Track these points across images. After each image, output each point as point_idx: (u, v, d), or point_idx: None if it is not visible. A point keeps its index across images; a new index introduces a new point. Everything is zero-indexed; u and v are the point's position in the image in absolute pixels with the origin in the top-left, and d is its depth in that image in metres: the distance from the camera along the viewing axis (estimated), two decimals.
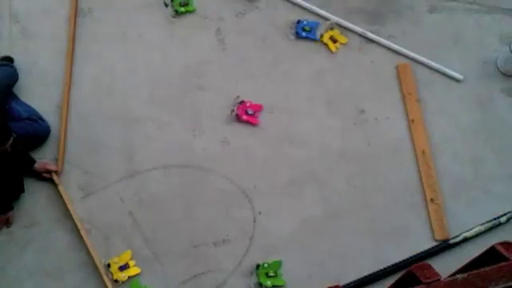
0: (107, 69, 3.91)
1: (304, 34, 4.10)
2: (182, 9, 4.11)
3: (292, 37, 4.09)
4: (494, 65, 4.12)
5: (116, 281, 3.30)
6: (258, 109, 3.84)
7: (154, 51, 3.99)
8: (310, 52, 4.08)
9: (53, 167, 3.51)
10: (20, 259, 3.35)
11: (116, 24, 4.06)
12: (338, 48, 4.10)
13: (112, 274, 3.31)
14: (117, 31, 4.04)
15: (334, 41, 4.11)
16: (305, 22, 4.12)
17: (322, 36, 4.10)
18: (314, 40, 4.11)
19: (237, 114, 3.79)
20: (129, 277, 3.32)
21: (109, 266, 3.32)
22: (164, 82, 3.90)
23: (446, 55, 4.13)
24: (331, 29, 4.11)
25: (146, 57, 3.97)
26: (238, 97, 3.81)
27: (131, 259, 3.37)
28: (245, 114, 3.80)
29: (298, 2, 4.22)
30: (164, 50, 4.00)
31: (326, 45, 4.10)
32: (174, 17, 4.03)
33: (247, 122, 3.80)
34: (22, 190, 3.43)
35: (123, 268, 3.33)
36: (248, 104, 3.83)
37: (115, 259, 3.36)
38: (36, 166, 3.47)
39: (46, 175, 3.50)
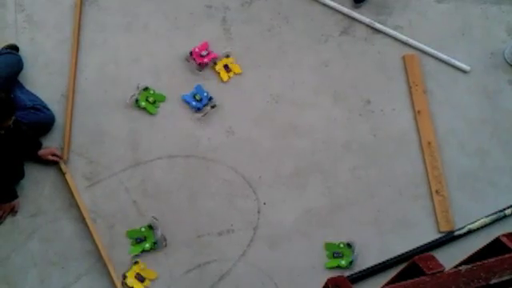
0: (112, 58, 3.90)
1: (199, 103, 3.77)
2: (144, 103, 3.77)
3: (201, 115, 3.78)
4: (502, 56, 4.08)
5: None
6: (205, 47, 3.92)
7: (159, 40, 3.98)
8: (316, 42, 4.06)
9: (59, 152, 3.53)
10: (25, 248, 3.36)
11: (121, 13, 4.05)
12: (230, 77, 3.88)
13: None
14: (122, 20, 4.03)
15: (229, 70, 3.90)
16: (188, 97, 3.81)
17: (215, 64, 3.88)
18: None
19: (199, 64, 3.84)
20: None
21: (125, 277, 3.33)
22: (169, 71, 3.89)
23: (453, 46, 4.11)
24: (227, 57, 3.93)
25: (150, 46, 3.96)
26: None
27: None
28: (203, 58, 3.88)
29: None
30: (169, 40, 3.99)
31: (217, 73, 3.89)
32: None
33: (208, 63, 3.87)
34: (22, 176, 3.44)
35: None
36: (197, 49, 3.90)
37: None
38: (42, 151, 3.48)
39: (52, 158, 3.49)
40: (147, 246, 3.38)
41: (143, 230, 3.42)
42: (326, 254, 3.45)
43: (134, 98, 3.75)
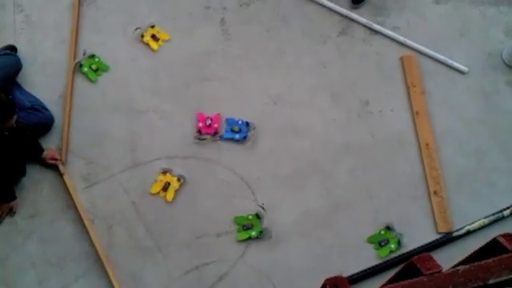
0: (110, 58, 3.90)
1: (241, 132, 3.71)
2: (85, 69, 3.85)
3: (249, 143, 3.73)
4: (500, 57, 4.09)
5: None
6: (216, 120, 3.75)
7: (157, 41, 3.98)
8: (315, 43, 4.07)
9: (59, 155, 3.52)
10: (23, 249, 3.36)
11: (119, 14, 4.05)
12: (160, 45, 3.96)
13: None
14: (120, 20, 4.03)
15: (157, 39, 3.96)
16: (228, 131, 3.73)
17: (142, 36, 3.95)
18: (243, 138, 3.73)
19: (198, 131, 3.70)
20: None
21: None
22: (167, 72, 3.89)
23: (451, 47, 4.11)
24: (152, 27, 3.98)
25: (149, 47, 3.96)
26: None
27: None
28: (207, 127, 3.73)
29: None
30: (167, 40, 3.98)
31: (147, 45, 3.95)
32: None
33: (209, 135, 3.73)
34: (23, 173, 3.44)
35: None
36: (206, 116, 3.75)
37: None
38: (45, 153, 3.48)
39: (51, 161, 3.49)
40: (253, 233, 3.44)
41: (250, 217, 3.49)
42: (373, 247, 3.48)
43: (79, 63, 3.81)
